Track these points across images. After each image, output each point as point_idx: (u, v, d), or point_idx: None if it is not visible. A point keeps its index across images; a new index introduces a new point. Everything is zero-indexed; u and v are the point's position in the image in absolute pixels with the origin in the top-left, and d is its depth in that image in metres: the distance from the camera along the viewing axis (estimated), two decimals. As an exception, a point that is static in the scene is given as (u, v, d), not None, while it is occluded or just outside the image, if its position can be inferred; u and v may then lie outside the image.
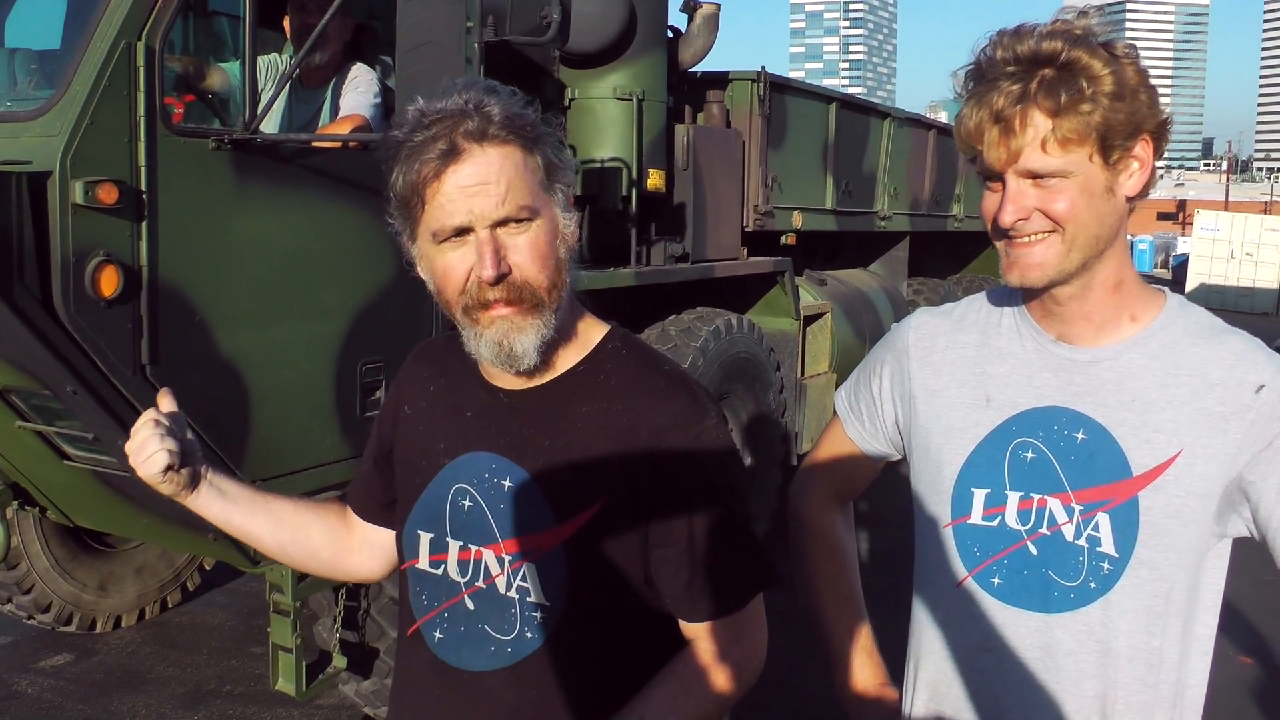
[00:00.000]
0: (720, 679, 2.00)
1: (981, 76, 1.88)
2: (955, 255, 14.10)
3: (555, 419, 2.00)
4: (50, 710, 6.03)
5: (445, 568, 2.06)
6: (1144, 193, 1.95)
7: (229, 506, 2.23)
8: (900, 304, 11.16)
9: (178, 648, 6.89)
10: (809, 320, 9.14)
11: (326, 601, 5.38)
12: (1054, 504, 2.00)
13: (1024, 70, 1.83)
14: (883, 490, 2.66)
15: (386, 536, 2.28)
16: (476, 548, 2.02)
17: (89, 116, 3.93)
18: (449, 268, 1.91)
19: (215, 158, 4.34)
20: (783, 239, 9.01)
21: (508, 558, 1.99)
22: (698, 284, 7.70)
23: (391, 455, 2.24)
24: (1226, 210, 42.87)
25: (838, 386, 7.43)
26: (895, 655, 2.38)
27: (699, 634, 2.02)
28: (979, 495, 2.07)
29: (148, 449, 2.07)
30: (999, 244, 1.96)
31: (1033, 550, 2.01)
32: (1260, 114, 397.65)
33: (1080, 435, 1.98)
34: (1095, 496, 1.96)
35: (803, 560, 2.45)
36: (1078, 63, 1.81)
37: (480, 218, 1.86)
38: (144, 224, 4.09)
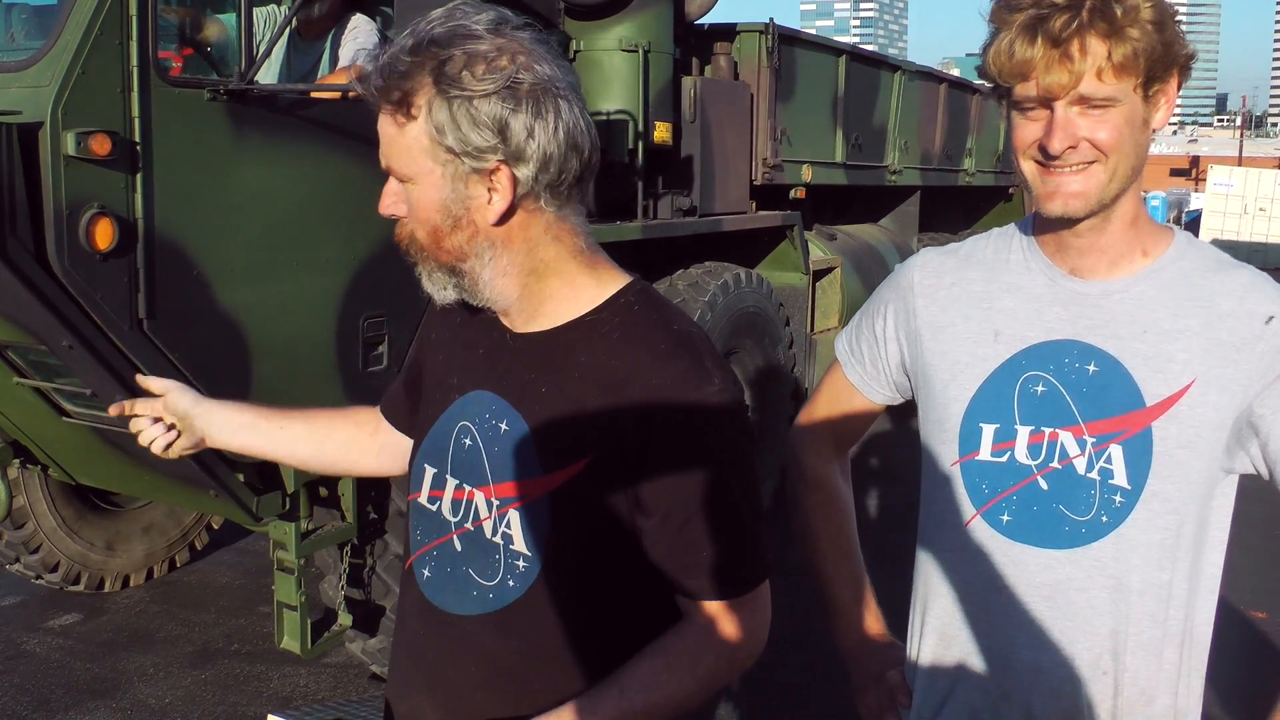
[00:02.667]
0: (708, 660, 1.92)
1: (1018, 5, 1.82)
2: (966, 210, 14.01)
3: (555, 366, 1.94)
4: (58, 669, 6.02)
5: (440, 505, 2.03)
6: (1164, 125, 1.96)
7: (246, 441, 2.34)
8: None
9: (186, 607, 6.88)
10: (818, 275, 9.08)
11: (332, 559, 5.35)
12: (1065, 437, 1.97)
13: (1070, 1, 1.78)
14: (889, 447, 2.61)
15: (408, 444, 2.27)
16: (470, 488, 1.99)
17: (80, 66, 3.87)
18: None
19: (211, 109, 4.27)
20: (792, 193, 8.92)
21: (495, 502, 1.95)
22: (706, 238, 7.62)
23: (420, 377, 2.23)
24: (1240, 166, 42.64)
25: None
26: (895, 612, 2.35)
27: (692, 610, 1.94)
28: (987, 430, 2.03)
29: (146, 441, 2.27)
30: (1032, 173, 1.90)
31: (1043, 485, 1.98)
32: (1275, 69, 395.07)
33: (1092, 367, 1.96)
34: (1108, 428, 1.94)
35: (801, 510, 2.42)
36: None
37: (386, 170, 1.89)
38: (139, 176, 4.03)
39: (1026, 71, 1.82)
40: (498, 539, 1.95)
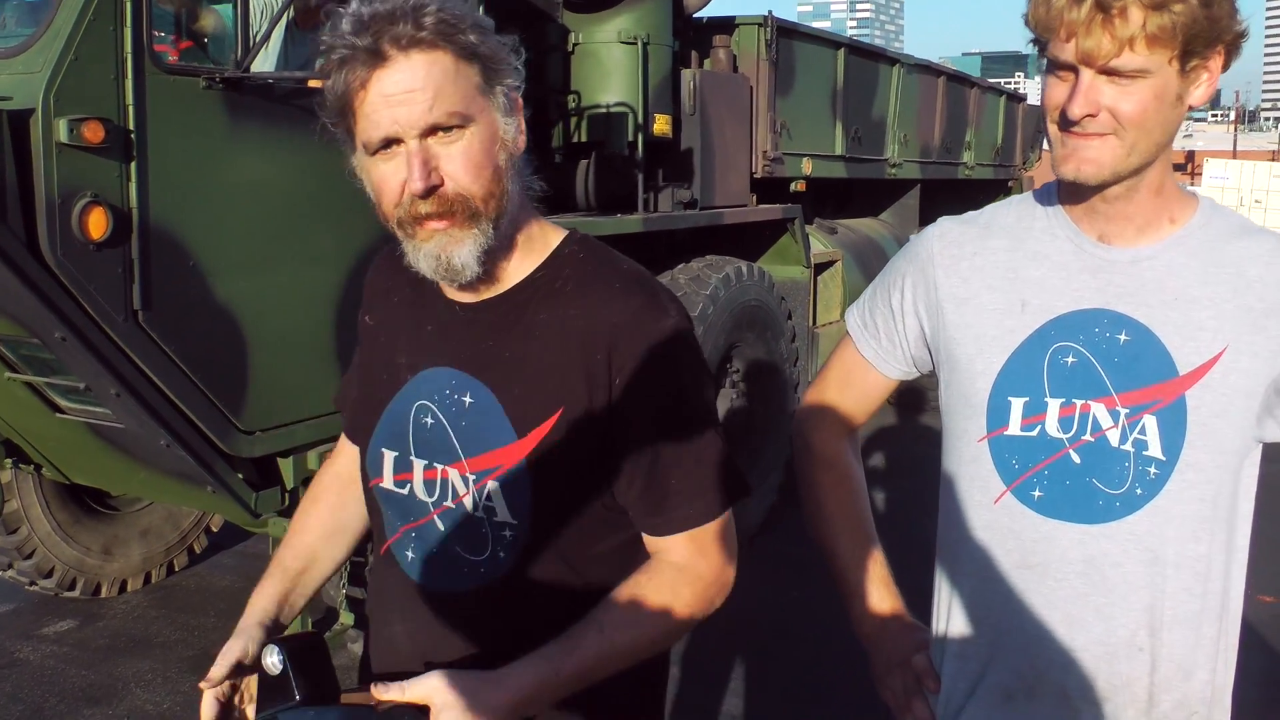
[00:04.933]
0: (686, 594, 1.94)
1: None
2: (966, 203, 13.87)
3: (514, 330, 1.93)
4: (53, 677, 5.93)
5: (411, 487, 1.99)
6: (1204, 103, 1.88)
7: (297, 606, 2.20)
8: (912, 253, 11.06)
9: (184, 611, 6.79)
10: (820, 268, 9.02)
11: (332, 556, 5.28)
12: (1098, 408, 1.91)
13: None
14: (903, 440, 2.55)
15: None
16: (442, 466, 1.95)
17: (73, 52, 3.81)
18: (383, 180, 1.84)
19: (206, 97, 4.21)
20: (792, 186, 8.89)
21: (472, 476, 1.92)
22: (707, 231, 7.57)
23: (364, 365, 2.17)
24: (1235, 159, 42.71)
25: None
26: (920, 603, 2.26)
27: (664, 547, 1.96)
28: (1016, 404, 1.97)
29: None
30: (1055, 135, 1.85)
31: (1075, 459, 1.93)
32: (1267, 63, 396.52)
33: (1123, 336, 1.91)
34: (1142, 398, 1.89)
35: (812, 489, 2.34)
36: None
37: (407, 127, 1.78)
38: (133, 164, 3.98)
39: (1067, 30, 1.75)
40: (480, 513, 1.93)
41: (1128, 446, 1.89)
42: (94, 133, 3.78)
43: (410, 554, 2.01)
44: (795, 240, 8.47)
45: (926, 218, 11.80)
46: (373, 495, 2.09)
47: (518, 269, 1.95)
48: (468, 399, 1.93)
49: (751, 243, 8.35)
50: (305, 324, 4.63)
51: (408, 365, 2.02)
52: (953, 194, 13.01)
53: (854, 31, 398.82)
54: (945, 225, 2.18)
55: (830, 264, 9.25)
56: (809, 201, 9.29)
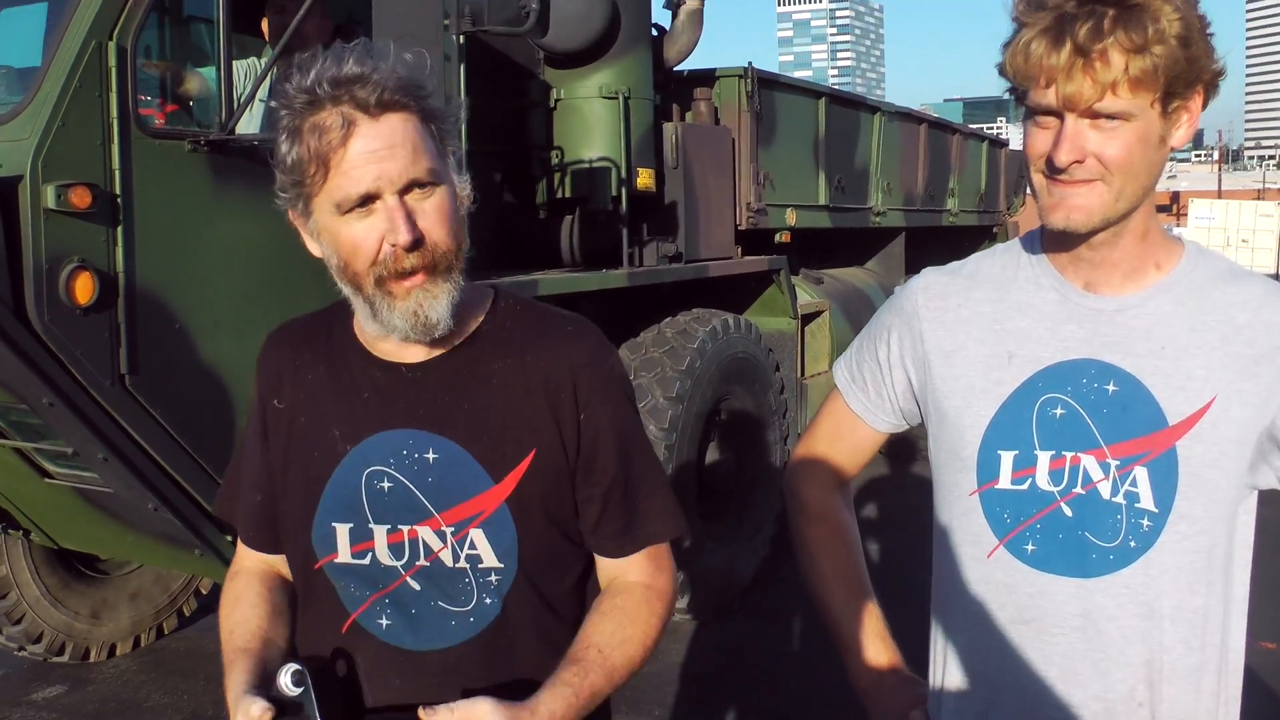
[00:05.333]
0: (657, 609, 2.06)
1: (1044, 4, 1.76)
2: (951, 250, 13.96)
3: (470, 382, 1.98)
4: (44, 741, 5.89)
5: (373, 555, 1.98)
6: (1185, 144, 1.90)
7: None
8: (898, 301, 11.07)
9: (174, 675, 6.73)
10: (807, 319, 9.03)
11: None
12: (1088, 461, 1.90)
13: (1094, 4, 1.72)
14: (892, 490, 2.56)
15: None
16: (408, 527, 1.96)
17: (60, 119, 3.84)
18: (358, 239, 1.85)
19: (191, 160, 4.23)
20: (777, 237, 8.92)
21: (449, 529, 1.95)
22: (692, 284, 7.58)
23: (277, 455, 2.10)
24: (1220, 199, 42.95)
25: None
26: (916, 655, 2.26)
27: (626, 568, 2.07)
28: (1006, 457, 1.97)
29: None
30: (1041, 184, 1.85)
31: (1067, 511, 1.92)
32: (1248, 102, 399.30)
33: (1111, 387, 1.90)
34: (1132, 450, 1.88)
35: (805, 544, 2.33)
36: (1150, 4, 1.71)
37: (390, 182, 1.82)
38: (119, 229, 3.99)
39: (1046, 77, 1.76)
40: (462, 564, 1.96)
41: (1119, 499, 1.88)
42: (81, 198, 3.80)
43: (386, 621, 1.99)
44: (781, 291, 8.48)
45: (912, 265, 11.85)
46: (321, 576, 2.04)
47: (461, 326, 1.98)
48: (431, 455, 1.95)
49: (737, 294, 8.36)
50: (292, 384, 4.63)
51: (344, 436, 2.00)
52: (938, 241, 13.05)
53: (835, 79, 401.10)
54: (930, 277, 2.17)
55: (817, 314, 9.26)
56: (794, 251, 9.31)
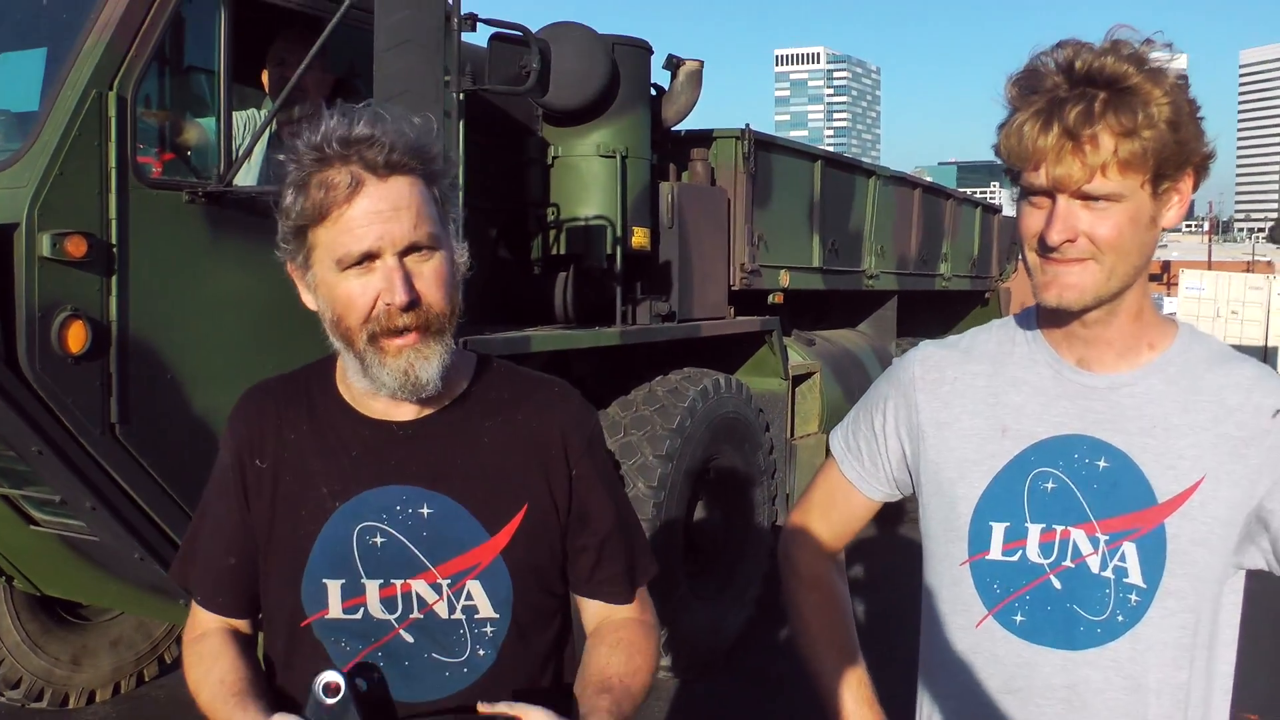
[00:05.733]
0: (652, 643, 2.16)
1: (1036, 87, 1.81)
2: (943, 314, 14.04)
3: (464, 440, 2.03)
4: (19, 788, 5.82)
5: (365, 610, 2.00)
6: (1177, 224, 1.94)
7: None
8: (889, 363, 11.06)
9: (154, 722, 6.69)
10: (798, 380, 9.04)
11: (305, 670, 5.22)
12: (1078, 535, 1.94)
13: (1085, 88, 1.77)
14: (879, 551, 2.58)
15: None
16: (401, 581, 1.99)
17: (58, 167, 3.85)
18: (354, 294, 1.90)
19: (188, 211, 4.25)
20: (770, 298, 8.92)
21: (445, 582, 1.99)
22: (684, 343, 7.60)
23: (261, 516, 2.08)
24: (1210, 270, 43.18)
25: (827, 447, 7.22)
26: (895, 717, 2.28)
27: (622, 609, 2.17)
28: (998, 529, 2.00)
29: None
30: (1034, 262, 1.89)
31: (1056, 584, 1.95)
32: (1239, 174, 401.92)
33: (1102, 463, 1.93)
34: (1121, 525, 1.91)
35: (798, 609, 2.35)
36: (1140, 87, 1.75)
37: (392, 243, 1.87)
38: (114, 278, 4.01)
39: (1036, 159, 1.79)
40: (458, 615, 2.00)
41: (1108, 573, 1.91)
42: (77, 247, 3.81)
43: (378, 675, 2.01)
44: (773, 352, 8.50)
45: (904, 328, 11.89)
46: (308, 633, 2.04)
47: (449, 387, 2.03)
48: (425, 510, 1.98)
49: (729, 354, 8.38)
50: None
51: (332, 494, 2.02)
52: (929, 305, 13.09)
53: (831, 140, 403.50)
54: (927, 350, 2.21)
55: (808, 376, 9.26)
56: (786, 312, 9.32)
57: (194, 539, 2.21)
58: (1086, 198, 1.79)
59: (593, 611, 2.17)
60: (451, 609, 1.99)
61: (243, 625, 2.18)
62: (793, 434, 8.95)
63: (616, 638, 2.11)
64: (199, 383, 4.29)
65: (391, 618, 1.99)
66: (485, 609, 1.99)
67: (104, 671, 6.84)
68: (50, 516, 4.48)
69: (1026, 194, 1.86)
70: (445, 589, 1.98)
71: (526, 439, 2.06)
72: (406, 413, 2.02)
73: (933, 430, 2.11)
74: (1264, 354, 34.18)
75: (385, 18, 4.38)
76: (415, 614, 1.99)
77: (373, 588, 1.99)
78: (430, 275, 1.90)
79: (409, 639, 1.99)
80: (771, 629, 7.99)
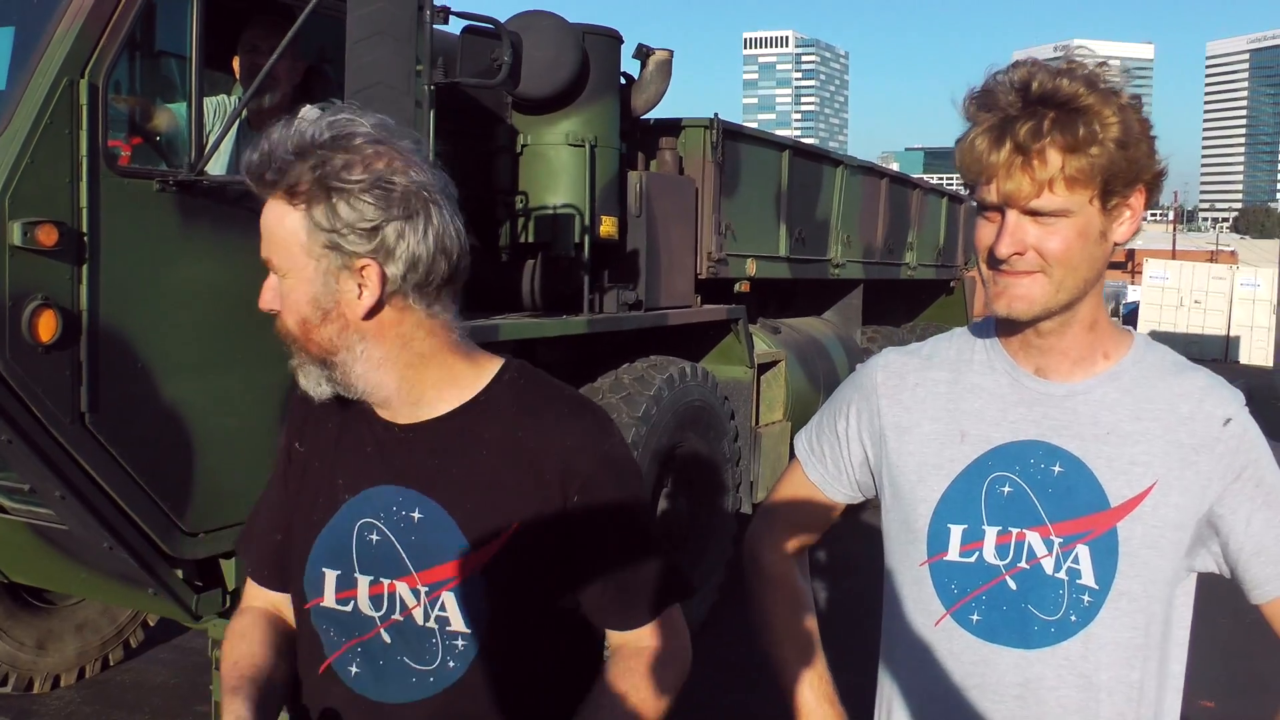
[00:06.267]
0: (668, 673, 2.09)
1: (991, 105, 1.86)
2: (909, 303, 14.15)
3: (460, 448, 2.01)
4: (-16, 774, 5.83)
5: (355, 604, 2.04)
6: (1129, 239, 1.98)
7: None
8: (854, 351, 11.14)
9: (120, 707, 6.69)
10: (763, 368, 9.09)
11: (272, 657, 5.24)
12: (1033, 537, 1.99)
13: (1037, 106, 1.82)
14: (841, 539, 2.63)
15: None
16: (389, 581, 2.01)
17: (29, 155, 3.84)
18: None
19: (160, 199, 4.24)
20: (736, 286, 8.97)
21: (424, 589, 1.99)
22: (651, 332, 7.63)
23: (291, 497, 2.19)
24: (1174, 259, 43.47)
25: (793, 433, 7.36)
26: (861, 707, 2.33)
27: (638, 637, 2.10)
28: (956, 531, 2.05)
29: None
30: (988, 274, 1.96)
31: (1012, 585, 2.00)
32: (1204, 164, 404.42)
33: (1057, 468, 1.99)
34: (1074, 529, 1.96)
35: (761, 608, 2.39)
36: (1090, 107, 1.80)
37: (267, 261, 1.96)
38: (85, 267, 4.00)
39: (989, 174, 1.85)
40: (431, 624, 1.99)
41: (1062, 574, 1.96)
42: (48, 236, 3.81)
43: (355, 669, 2.04)
44: (739, 341, 8.55)
45: (870, 317, 11.96)
46: (307, 617, 2.10)
47: (455, 394, 2.03)
48: (416, 514, 1.99)
49: (695, 343, 8.43)
50: (252, 424, 4.64)
51: (346, 486, 2.07)
52: (895, 293, 13.17)
53: (799, 124, 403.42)
54: (889, 356, 2.26)
55: (773, 364, 9.31)
56: (752, 300, 9.37)
57: (254, 514, 2.32)
58: (1035, 213, 1.85)
59: (610, 640, 2.13)
60: (427, 616, 1.99)
61: (282, 602, 2.24)
62: (758, 422, 9.00)
63: (629, 665, 2.07)
64: (169, 372, 4.29)
65: (376, 615, 2.02)
66: (456, 622, 1.98)
67: (69, 656, 6.84)
68: (18, 505, 4.47)
69: (981, 208, 1.92)
70: (423, 596, 1.98)
71: (525, 456, 1.99)
72: (406, 416, 2.04)
73: (894, 434, 2.16)
74: (1225, 343, 34.51)
75: (358, 9, 4.39)
76: (396, 615, 2.00)
77: (364, 583, 2.02)
78: (284, 295, 1.93)
79: (387, 639, 2.01)
80: (735, 615, 8.04)
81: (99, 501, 4.13)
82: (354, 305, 1.90)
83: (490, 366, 2.08)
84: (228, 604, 4.76)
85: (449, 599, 1.96)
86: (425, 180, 1.90)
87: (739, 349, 8.61)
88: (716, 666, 7.20)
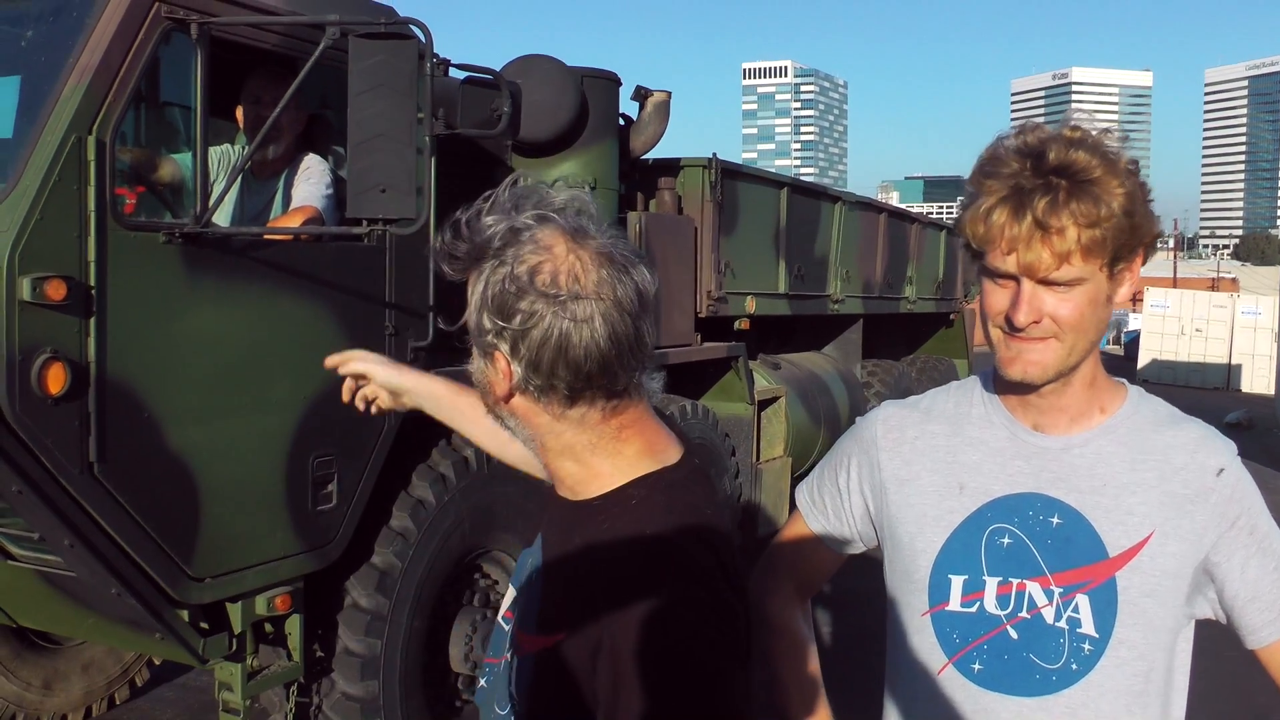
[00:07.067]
0: None
1: (1001, 174, 1.91)
2: (908, 337, 14.20)
3: (567, 538, 1.95)
4: (-8, 814, 5.86)
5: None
6: (1128, 300, 2.04)
7: (441, 414, 2.62)
8: (855, 386, 11.18)
9: (125, 746, 6.74)
10: (763, 404, 9.14)
11: (278, 698, 5.29)
12: (1033, 587, 2.04)
13: (1050, 176, 1.87)
14: (844, 576, 2.67)
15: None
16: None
17: (38, 212, 3.90)
18: None
19: (166, 251, 4.31)
20: (736, 324, 9.01)
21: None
22: (652, 370, 7.63)
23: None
24: (1175, 287, 43.45)
25: (794, 469, 7.37)
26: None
27: None
28: (956, 581, 2.10)
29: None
30: (998, 338, 2.01)
31: (1013, 634, 2.05)
32: (1204, 191, 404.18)
33: (1055, 519, 2.04)
34: (1074, 578, 2.01)
35: (767, 655, 2.42)
36: (1100, 179, 1.87)
37: None
38: (92, 320, 4.06)
39: (1007, 245, 1.90)
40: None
41: (1062, 624, 2.01)
42: (56, 290, 3.87)
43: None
44: (739, 378, 8.60)
45: (870, 350, 12.00)
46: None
47: (587, 488, 1.92)
48: (535, 578, 1.99)
49: (696, 380, 8.47)
50: (257, 471, 4.69)
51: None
52: (895, 327, 13.21)
53: (798, 154, 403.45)
54: (888, 410, 2.32)
55: (774, 400, 9.36)
56: (752, 336, 9.41)
57: None
58: (1050, 283, 1.90)
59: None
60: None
61: None
62: (759, 458, 9.04)
63: None
64: (174, 420, 4.35)
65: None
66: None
67: (75, 695, 6.87)
68: (28, 552, 4.53)
69: (992, 274, 1.97)
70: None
71: (584, 578, 1.86)
72: (558, 489, 2.00)
73: (894, 486, 2.21)
74: (1227, 371, 34.45)
75: (359, 61, 4.47)
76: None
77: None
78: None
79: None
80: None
81: (107, 549, 4.18)
82: (496, 385, 1.85)
83: (631, 473, 1.91)
84: (234, 647, 4.81)
85: (515, 664, 1.95)
86: (585, 288, 1.76)
87: (739, 386, 8.66)
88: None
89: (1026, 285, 1.92)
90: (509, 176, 1.88)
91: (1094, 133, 1.92)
